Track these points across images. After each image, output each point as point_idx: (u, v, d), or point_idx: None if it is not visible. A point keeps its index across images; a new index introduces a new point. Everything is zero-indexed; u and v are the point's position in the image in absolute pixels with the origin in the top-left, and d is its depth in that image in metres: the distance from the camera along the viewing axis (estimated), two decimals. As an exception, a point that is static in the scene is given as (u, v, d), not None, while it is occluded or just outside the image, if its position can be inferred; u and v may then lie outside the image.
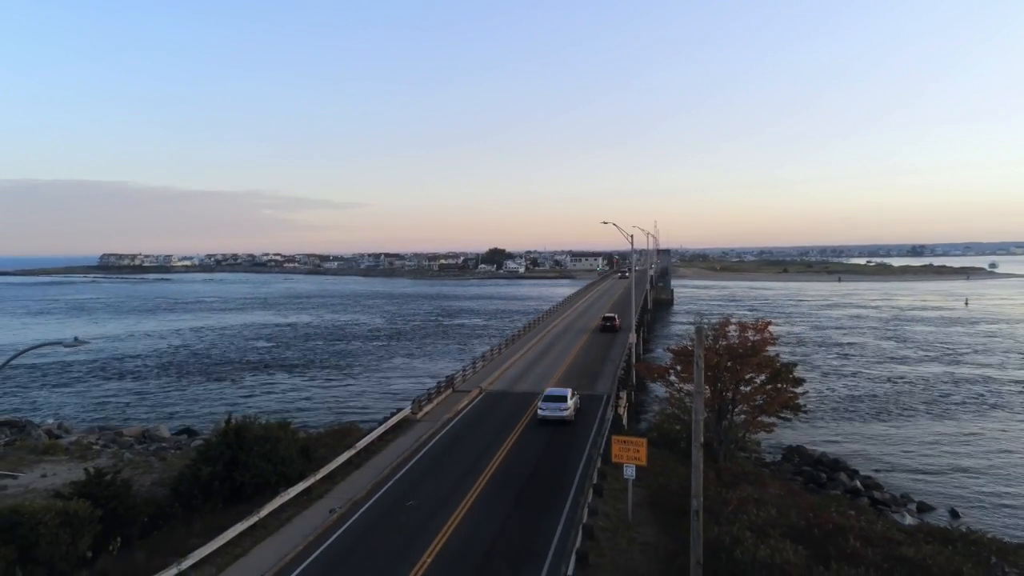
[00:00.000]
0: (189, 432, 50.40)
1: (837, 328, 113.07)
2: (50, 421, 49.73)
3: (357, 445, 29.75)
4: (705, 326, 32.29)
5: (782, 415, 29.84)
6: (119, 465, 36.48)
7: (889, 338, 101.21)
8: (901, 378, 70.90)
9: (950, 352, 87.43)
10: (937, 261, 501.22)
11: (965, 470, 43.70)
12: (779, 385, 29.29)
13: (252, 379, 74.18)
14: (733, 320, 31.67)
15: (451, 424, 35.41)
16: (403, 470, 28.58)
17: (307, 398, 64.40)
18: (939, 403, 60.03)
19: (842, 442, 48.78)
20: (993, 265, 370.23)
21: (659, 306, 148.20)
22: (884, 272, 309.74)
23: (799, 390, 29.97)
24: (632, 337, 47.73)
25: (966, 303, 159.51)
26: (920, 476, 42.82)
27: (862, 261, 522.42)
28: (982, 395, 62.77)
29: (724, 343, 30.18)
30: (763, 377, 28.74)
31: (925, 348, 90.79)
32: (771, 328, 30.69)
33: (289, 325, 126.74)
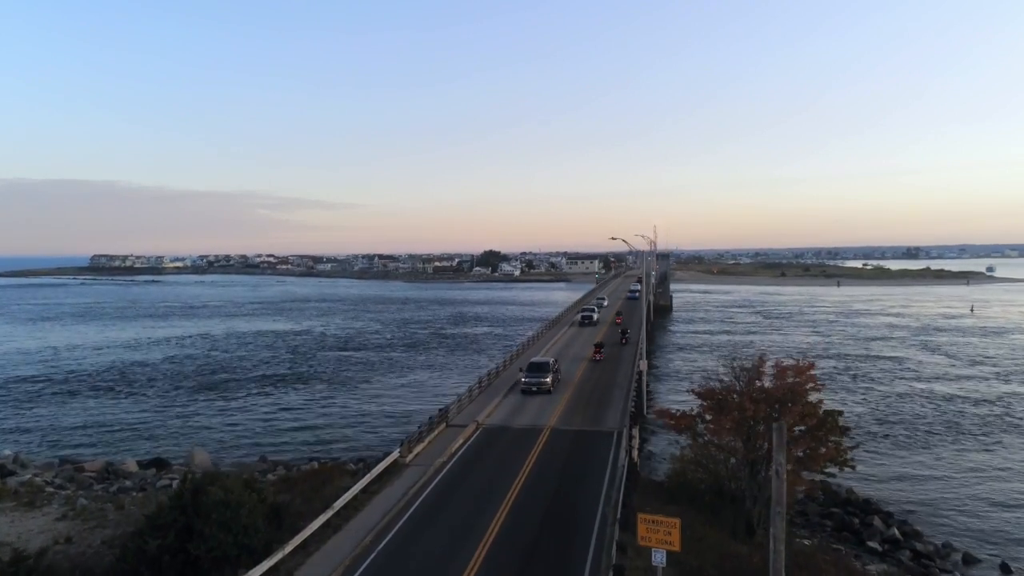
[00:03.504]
0: (159, 463, 46.22)
1: (867, 339, 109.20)
2: (7, 452, 45.47)
3: (335, 505, 25.78)
4: (736, 365, 28.59)
5: (827, 471, 26.10)
6: (68, 513, 32.56)
7: (920, 349, 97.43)
8: (928, 395, 67.37)
9: (980, 365, 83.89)
10: (933, 264, 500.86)
11: (1007, 508, 40.01)
12: (821, 434, 25.47)
13: (244, 395, 70.15)
14: (769, 360, 27.82)
15: (445, 470, 31.46)
16: (389, 534, 24.64)
17: (298, 420, 59.84)
18: (973, 426, 56.24)
19: (869, 475, 44.81)
20: (991, 269, 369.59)
21: (658, 313, 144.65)
22: (882, 276, 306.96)
23: (847, 442, 26.16)
24: (643, 364, 43.84)
25: (972, 310, 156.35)
26: (958, 517, 38.94)
27: (858, 264, 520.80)
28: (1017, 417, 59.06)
29: (759, 384, 26.33)
30: (804, 427, 24.90)
31: (957, 361, 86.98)
32: (813, 369, 26.82)
33: (293, 333, 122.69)
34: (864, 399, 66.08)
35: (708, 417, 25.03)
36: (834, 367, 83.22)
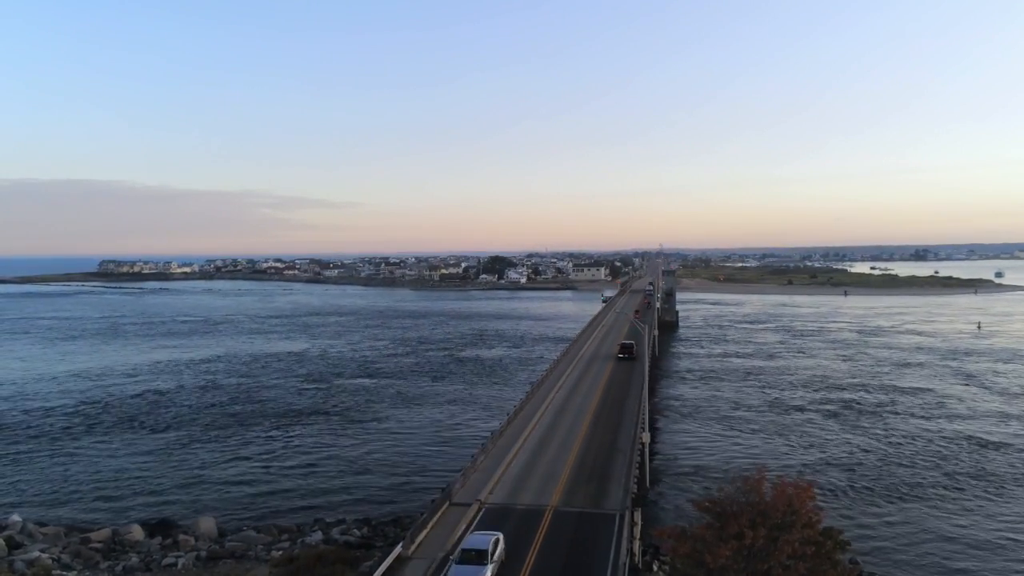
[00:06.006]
0: (166, 526, 46.47)
1: (895, 364, 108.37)
2: (16, 518, 45.77)
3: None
4: (737, 478, 28.64)
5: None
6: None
7: (951, 378, 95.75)
8: (964, 439, 65.54)
9: (1019, 399, 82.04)
10: (941, 266, 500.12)
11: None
12: (825, 552, 25.47)
13: (258, 434, 70.94)
14: (769, 475, 27.80)
15: (447, 568, 31.55)
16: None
17: (308, 470, 59.48)
18: (1009, 478, 54.86)
19: (889, 546, 43.03)
20: (999, 274, 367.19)
21: (663, 330, 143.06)
22: (890, 285, 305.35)
23: (850, 562, 26.11)
24: (645, 436, 43.67)
25: (979, 327, 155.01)
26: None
27: (866, 267, 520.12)
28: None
29: (757, 498, 26.35)
30: (804, 551, 24.90)
31: (992, 395, 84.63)
32: (814, 489, 26.80)
33: (311, 357, 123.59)
34: (893, 443, 64.63)
35: (708, 537, 25.12)
36: (864, 400, 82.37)
